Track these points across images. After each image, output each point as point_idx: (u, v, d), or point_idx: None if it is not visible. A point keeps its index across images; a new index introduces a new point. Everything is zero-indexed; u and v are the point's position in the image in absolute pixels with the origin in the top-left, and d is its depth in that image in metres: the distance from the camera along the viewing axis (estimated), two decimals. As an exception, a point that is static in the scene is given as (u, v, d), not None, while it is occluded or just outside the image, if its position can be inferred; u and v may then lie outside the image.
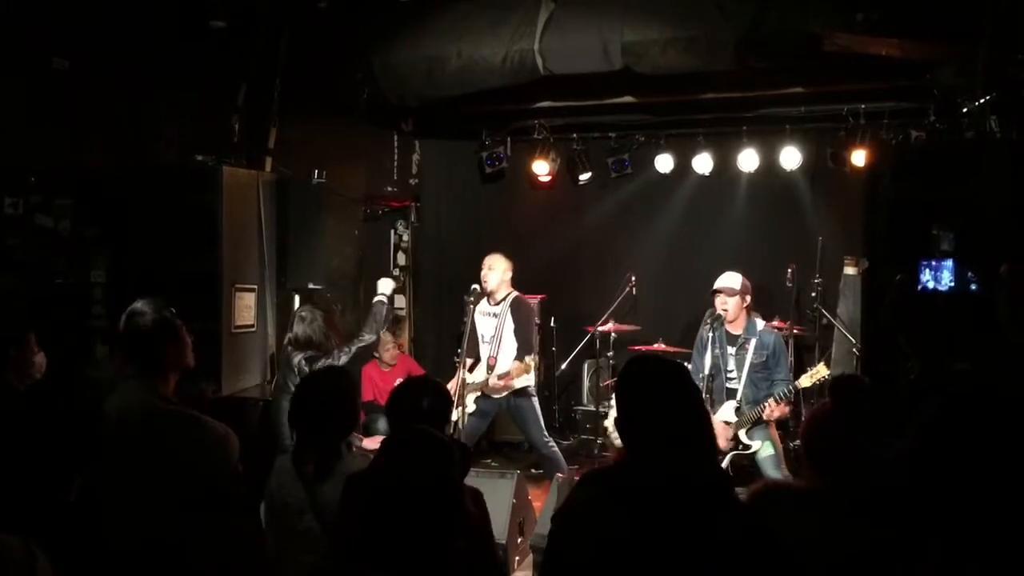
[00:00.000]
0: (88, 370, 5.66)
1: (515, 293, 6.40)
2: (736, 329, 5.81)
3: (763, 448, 5.59)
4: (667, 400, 2.42)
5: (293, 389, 4.00)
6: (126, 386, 3.35)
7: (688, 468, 2.33)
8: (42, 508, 2.33)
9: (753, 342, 5.73)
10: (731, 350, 5.79)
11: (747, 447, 5.59)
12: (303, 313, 4.89)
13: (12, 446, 2.52)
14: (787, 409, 5.68)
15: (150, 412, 2.98)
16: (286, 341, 4.91)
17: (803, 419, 4.09)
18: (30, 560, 1.83)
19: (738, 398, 5.70)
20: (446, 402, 3.36)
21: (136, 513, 2.25)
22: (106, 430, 2.67)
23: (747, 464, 5.66)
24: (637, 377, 2.53)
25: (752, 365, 5.71)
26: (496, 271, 6.33)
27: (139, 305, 3.70)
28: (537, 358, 6.45)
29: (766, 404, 5.55)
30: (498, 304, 6.36)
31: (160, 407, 3.16)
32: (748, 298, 5.84)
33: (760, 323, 5.86)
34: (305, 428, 3.29)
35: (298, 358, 4.69)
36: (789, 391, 5.59)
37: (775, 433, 5.70)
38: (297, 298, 6.79)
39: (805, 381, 5.59)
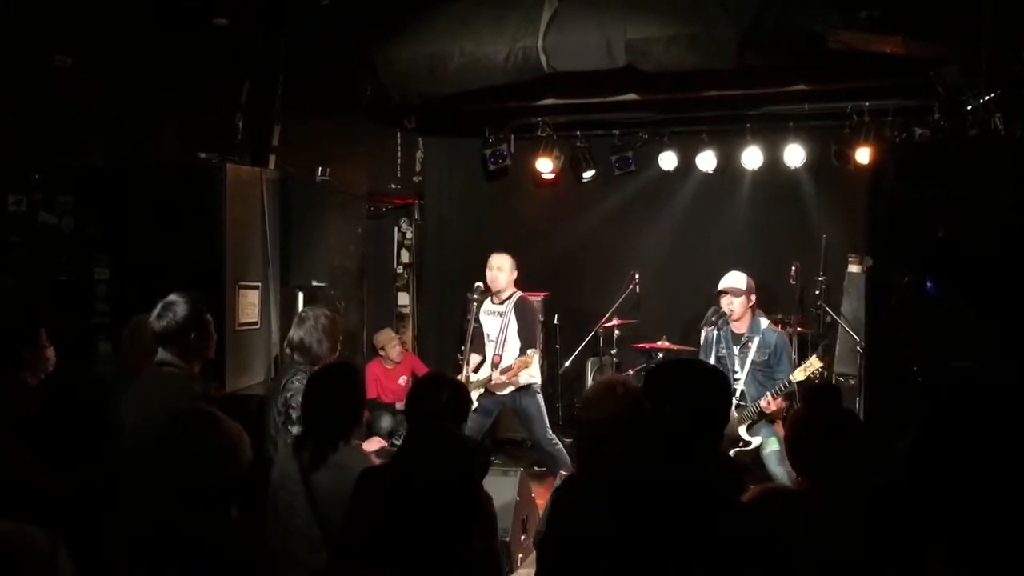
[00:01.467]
0: (90, 367, 5.66)
1: (519, 293, 6.42)
2: (740, 328, 5.82)
3: (768, 443, 5.62)
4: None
5: (293, 406, 4.02)
6: (159, 377, 3.45)
7: (689, 469, 2.33)
8: (56, 501, 2.35)
9: (756, 340, 5.75)
10: (735, 349, 5.81)
11: (747, 443, 5.64)
12: (302, 314, 4.70)
13: (30, 441, 2.55)
14: (783, 403, 5.69)
15: (175, 408, 3.03)
16: (286, 343, 4.80)
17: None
18: (54, 551, 1.86)
19: (739, 395, 5.72)
20: (464, 399, 3.38)
21: (149, 508, 2.30)
22: (144, 426, 2.72)
23: (749, 461, 5.67)
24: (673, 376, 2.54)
25: (753, 363, 5.73)
26: (505, 271, 6.34)
27: (173, 296, 3.78)
28: (539, 352, 6.44)
29: (764, 398, 5.58)
30: (502, 303, 6.37)
31: (191, 393, 3.26)
32: (753, 297, 5.86)
33: (764, 322, 5.88)
34: (310, 419, 3.42)
35: (300, 376, 4.30)
36: (785, 385, 5.61)
37: (781, 429, 5.71)
38: (301, 296, 6.79)
39: (799, 374, 5.62)
